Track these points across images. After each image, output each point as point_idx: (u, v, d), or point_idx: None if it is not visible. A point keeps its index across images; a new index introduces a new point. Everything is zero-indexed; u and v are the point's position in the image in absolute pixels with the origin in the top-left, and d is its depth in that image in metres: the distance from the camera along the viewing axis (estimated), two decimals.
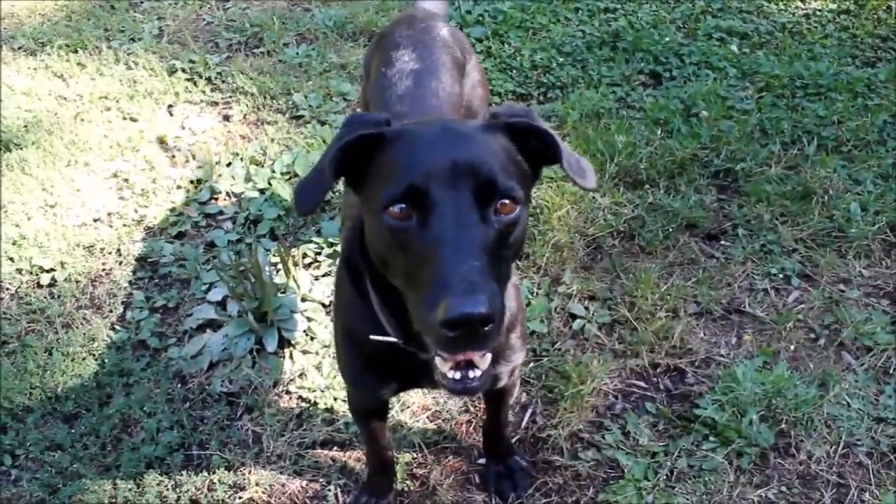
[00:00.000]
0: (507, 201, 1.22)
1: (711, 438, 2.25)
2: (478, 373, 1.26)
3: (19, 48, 4.26)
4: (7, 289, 2.92)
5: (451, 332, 1.10)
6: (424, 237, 1.18)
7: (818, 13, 4.00)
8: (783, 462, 2.21)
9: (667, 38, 3.78)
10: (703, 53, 3.69)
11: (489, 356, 1.27)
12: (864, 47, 3.73)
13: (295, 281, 2.72)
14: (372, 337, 1.53)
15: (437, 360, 1.27)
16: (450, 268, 1.12)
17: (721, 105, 3.33)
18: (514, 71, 3.73)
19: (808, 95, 3.40)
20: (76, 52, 4.16)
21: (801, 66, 3.53)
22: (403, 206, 1.20)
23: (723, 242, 2.86)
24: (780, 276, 2.72)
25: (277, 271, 2.80)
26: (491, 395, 2.04)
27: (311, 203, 1.39)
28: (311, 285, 2.76)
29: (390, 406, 2.39)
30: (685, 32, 3.92)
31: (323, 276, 2.83)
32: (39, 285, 2.92)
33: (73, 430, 2.43)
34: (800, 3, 4.09)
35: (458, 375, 1.25)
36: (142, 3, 4.64)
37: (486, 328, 1.11)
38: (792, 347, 2.49)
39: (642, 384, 2.45)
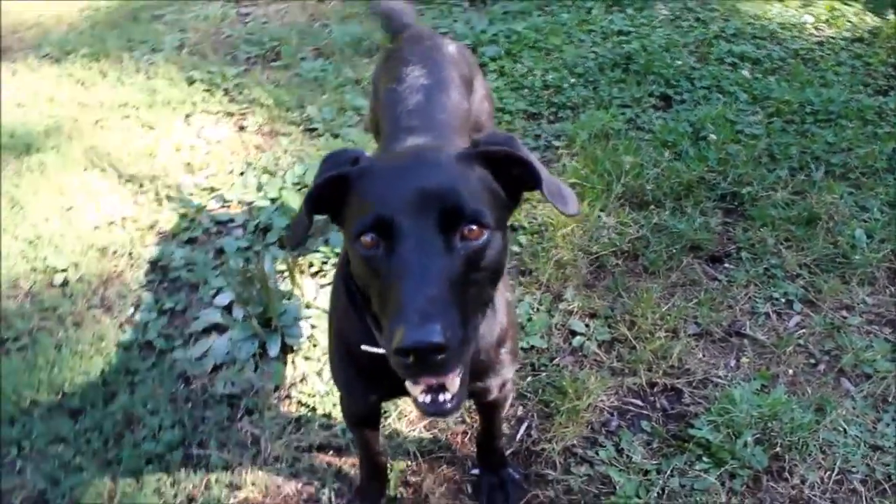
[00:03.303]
0: (473, 227, 1.23)
1: (705, 459, 2.25)
2: (448, 395, 1.27)
3: (45, 55, 4.38)
4: (21, 287, 2.99)
5: (404, 359, 1.13)
6: (390, 265, 1.21)
7: (832, 41, 4.01)
8: (776, 486, 2.20)
9: (679, 62, 3.82)
10: (715, 77, 3.72)
11: (457, 380, 1.28)
12: (876, 76, 3.74)
13: (300, 288, 2.77)
14: (363, 347, 1.57)
15: (408, 384, 1.28)
16: (407, 297, 1.14)
17: (730, 129, 3.35)
18: (526, 90, 3.78)
19: (818, 122, 3.42)
20: (99, 60, 4.27)
21: (812, 93, 3.54)
22: (372, 235, 1.23)
23: (726, 265, 2.87)
24: (783, 300, 2.72)
25: (284, 278, 2.85)
26: (483, 406, 2.07)
27: (298, 239, 1.46)
28: (315, 293, 2.80)
29: (387, 414, 2.43)
30: (697, 56, 3.95)
31: (328, 284, 2.87)
32: (52, 284, 2.99)
33: (77, 425, 2.48)
34: (813, 31, 4.11)
35: (428, 399, 1.27)
36: (165, 15, 4.76)
37: (441, 356, 1.13)
38: (791, 372, 2.49)
39: (638, 402, 2.45)
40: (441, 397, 1.26)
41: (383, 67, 2.38)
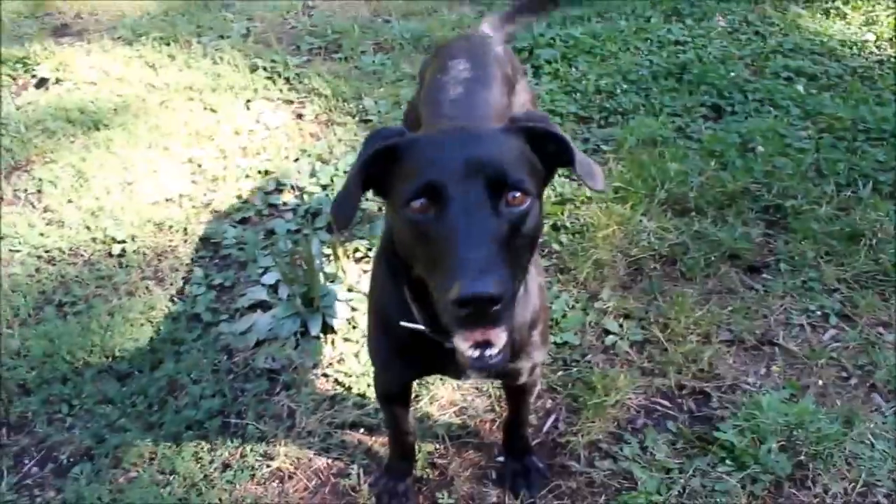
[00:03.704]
0: (517, 193, 1.31)
1: (728, 462, 2.27)
2: (495, 350, 1.34)
3: (118, 37, 4.59)
4: (81, 255, 3.15)
5: (463, 310, 1.20)
6: (441, 228, 1.28)
7: (892, 60, 3.97)
8: (797, 493, 2.22)
9: (733, 73, 3.82)
10: (768, 91, 3.72)
11: (504, 335, 1.34)
12: None
13: (343, 272, 2.86)
14: (402, 323, 1.64)
15: (457, 340, 1.35)
16: (462, 253, 1.23)
17: (779, 142, 3.35)
18: (579, 94, 3.83)
19: (869, 140, 3.40)
20: (168, 44, 4.45)
21: (866, 111, 3.52)
22: (423, 200, 1.31)
23: (764, 276, 2.88)
24: (819, 313, 2.72)
25: (329, 262, 2.95)
26: (512, 391, 2.13)
27: (347, 217, 1.50)
28: (358, 278, 2.90)
29: (418, 397, 2.51)
30: (753, 70, 3.95)
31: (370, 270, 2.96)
32: (110, 255, 3.15)
33: (124, 388, 2.61)
34: (874, 49, 4.07)
35: (476, 353, 1.34)
36: (234, 4, 4.93)
37: (496, 307, 1.21)
38: (821, 383, 2.50)
39: (666, 403, 2.49)
40: (488, 352, 1.33)
41: (432, 61, 2.47)
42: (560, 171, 1.55)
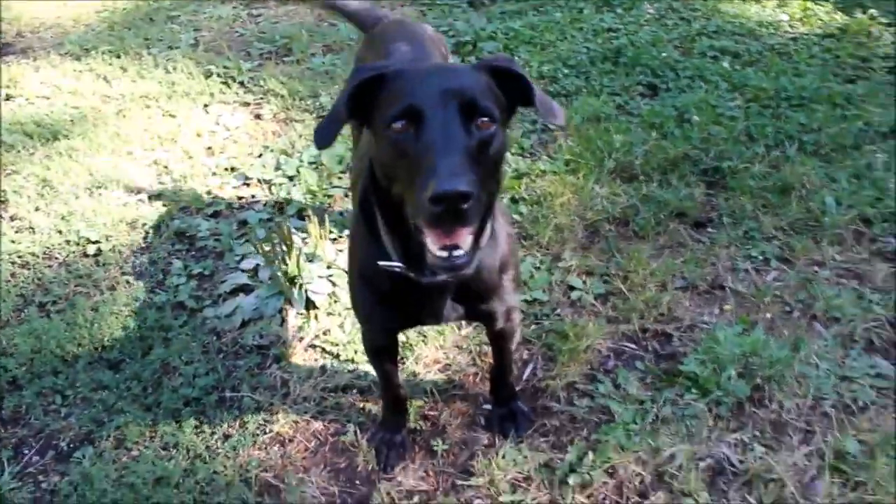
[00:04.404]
0: (486, 118, 1.51)
1: (693, 390, 2.50)
2: (461, 252, 1.51)
3: (65, 53, 4.63)
4: (56, 257, 3.21)
5: (437, 207, 1.37)
6: (419, 144, 1.47)
7: (805, 37, 4.33)
8: (757, 411, 2.45)
9: (664, 55, 4.12)
10: (697, 69, 4.02)
11: (469, 238, 1.53)
12: (845, 67, 4.05)
13: (322, 249, 3.00)
14: (380, 263, 1.80)
15: (429, 243, 1.52)
16: (438, 160, 1.41)
17: (711, 112, 3.64)
18: None
19: (791, 106, 3.72)
20: (119, 57, 4.52)
21: (786, 81, 3.85)
22: (403, 122, 1.50)
23: (709, 229, 3.14)
24: (760, 258, 2.99)
25: (305, 243, 3.08)
26: (494, 338, 2.30)
27: (329, 137, 1.66)
28: (335, 256, 3.04)
29: (404, 359, 2.66)
30: (681, 51, 4.26)
31: (344, 250, 3.11)
32: (86, 255, 3.22)
33: (117, 375, 2.69)
34: (788, 28, 4.43)
35: (445, 254, 1.51)
36: (179, 16, 5.02)
37: (465, 205, 1.38)
38: (769, 317, 2.75)
39: (633, 346, 2.71)
40: (455, 252, 1.50)
41: (368, 48, 2.67)
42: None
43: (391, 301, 1.93)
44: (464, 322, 2.77)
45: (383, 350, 2.25)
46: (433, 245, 1.51)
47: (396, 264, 1.77)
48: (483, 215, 1.64)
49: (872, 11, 4.36)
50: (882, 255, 2.97)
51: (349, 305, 2.85)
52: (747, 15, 4.56)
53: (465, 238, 1.52)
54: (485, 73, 1.63)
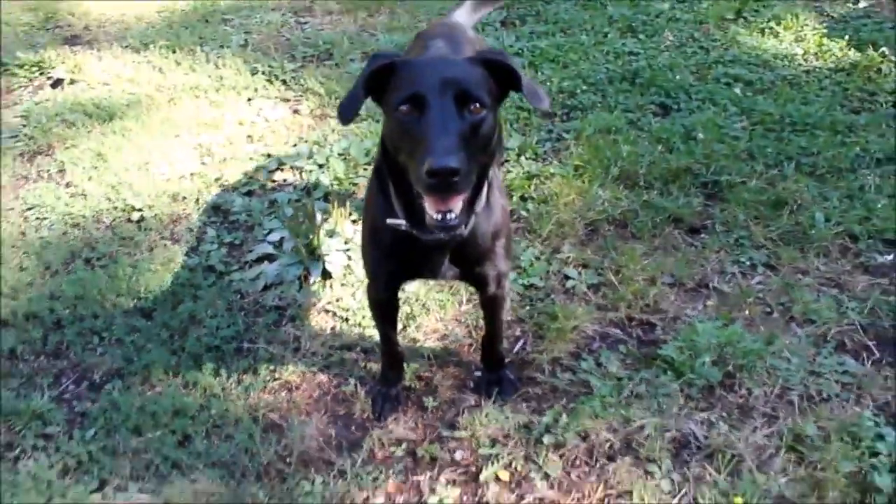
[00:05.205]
0: (477, 105, 1.80)
1: (668, 372, 2.71)
2: (453, 215, 1.80)
3: (126, 46, 5.03)
4: (104, 221, 3.54)
5: (432, 179, 1.68)
6: (421, 126, 1.76)
7: (817, 70, 4.54)
8: (726, 395, 2.65)
9: (679, 78, 4.36)
10: (710, 93, 4.25)
11: (460, 203, 1.81)
12: (852, 99, 4.24)
13: (341, 227, 3.29)
14: (388, 220, 2.08)
15: (427, 207, 1.82)
16: (434, 140, 1.71)
17: (717, 131, 3.87)
18: None
19: (794, 131, 3.92)
20: (174, 52, 4.91)
21: (793, 108, 4.06)
22: (408, 106, 1.79)
23: (702, 235, 3.35)
24: (748, 263, 3.19)
25: (327, 223, 3.37)
26: (485, 304, 2.55)
27: (349, 112, 1.96)
28: (352, 234, 3.32)
29: (406, 328, 2.91)
30: (697, 76, 4.49)
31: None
32: (130, 220, 3.54)
33: (149, 322, 2.99)
34: (802, 61, 4.64)
35: (440, 216, 1.80)
36: (232, 19, 5.41)
37: (455, 178, 1.67)
38: (748, 314, 2.96)
39: (618, 331, 2.93)
40: (449, 215, 1.80)
41: (414, 44, 2.96)
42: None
43: (395, 255, 2.21)
44: (464, 300, 3.02)
45: (385, 304, 2.52)
46: (430, 209, 1.82)
47: (402, 222, 2.05)
48: (477, 185, 1.94)
49: (884, 49, 4.55)
50: (864, 267, 3.16)
51: (362, 278, 3.13)
52: (764, 47, 4.79)
53: (458, 204, 1.81)
54: (480, 64, 1.93)
